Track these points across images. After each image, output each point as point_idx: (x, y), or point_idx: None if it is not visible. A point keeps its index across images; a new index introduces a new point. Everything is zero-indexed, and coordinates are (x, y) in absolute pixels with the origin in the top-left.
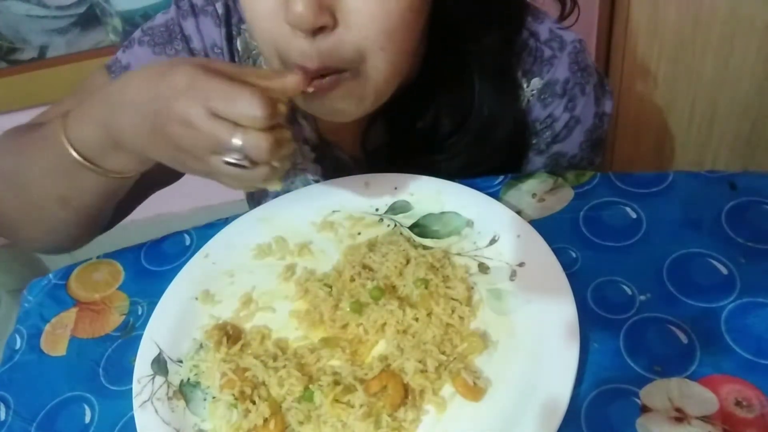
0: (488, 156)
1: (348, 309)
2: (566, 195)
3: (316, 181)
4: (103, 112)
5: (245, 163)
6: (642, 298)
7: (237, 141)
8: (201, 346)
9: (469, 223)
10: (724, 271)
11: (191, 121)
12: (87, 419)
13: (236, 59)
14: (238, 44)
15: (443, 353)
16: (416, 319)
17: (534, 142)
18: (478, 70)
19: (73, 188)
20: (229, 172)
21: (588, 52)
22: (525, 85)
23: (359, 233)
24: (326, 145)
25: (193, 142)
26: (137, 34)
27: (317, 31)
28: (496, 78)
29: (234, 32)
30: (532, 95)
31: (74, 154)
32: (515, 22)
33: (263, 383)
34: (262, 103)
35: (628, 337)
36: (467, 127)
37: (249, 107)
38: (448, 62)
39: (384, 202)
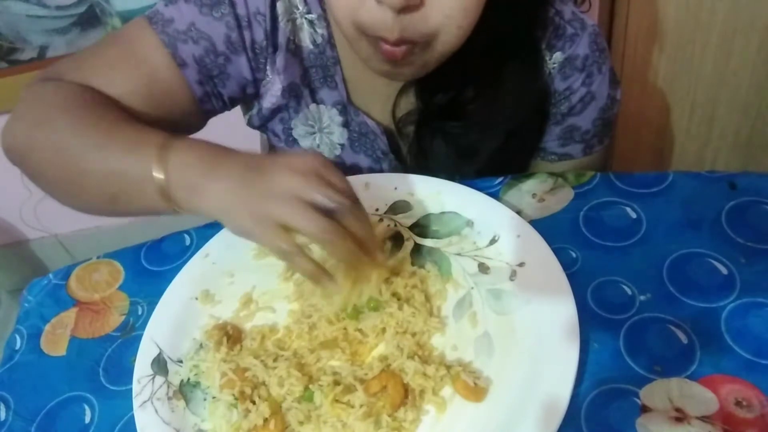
0: (512, 124)
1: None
2: (566, 195)
3: (341, 146)
4: (212, 157)
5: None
6: (642, 298)
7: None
8: (201, 346)
9: (469, 223)
10: (724, 271)
11: (299, 168)
12: (87, 419)
13: (277, 23)
14: (279, 8)
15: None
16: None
17: (552, 112)
18: (507, 41)
19: (128, 195)
20: (298, 212)
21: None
22: (547, 58)
23: None
24: (354, 110)
25: (289, 184)
26: None
27: (405, 9)
28: (522, 49)
29: None
30: (554, 68)
31: (159, 176)
32: None
33: (263, 383)
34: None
35: (628, 337)
36: (493, 94)
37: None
38: (481, 33)
39: (384, 202)
